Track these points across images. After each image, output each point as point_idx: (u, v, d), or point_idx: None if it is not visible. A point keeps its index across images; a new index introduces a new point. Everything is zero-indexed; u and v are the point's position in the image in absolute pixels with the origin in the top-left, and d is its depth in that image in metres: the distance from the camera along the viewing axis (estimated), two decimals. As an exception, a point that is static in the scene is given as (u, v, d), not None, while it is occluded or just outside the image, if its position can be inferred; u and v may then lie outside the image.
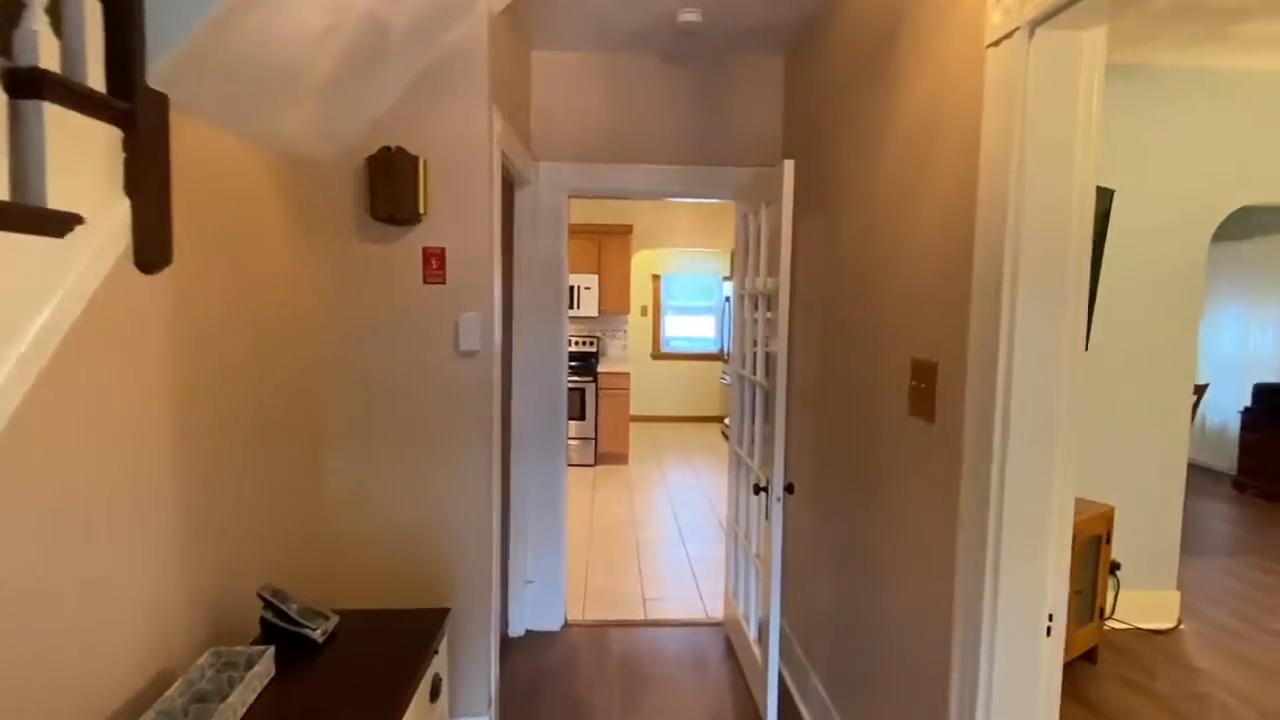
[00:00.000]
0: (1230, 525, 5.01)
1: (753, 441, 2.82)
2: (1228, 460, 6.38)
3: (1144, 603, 3.36)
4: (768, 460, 2.47)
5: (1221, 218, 3.28)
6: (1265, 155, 3.23)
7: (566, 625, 3.31)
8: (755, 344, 2.82)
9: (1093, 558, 2.96)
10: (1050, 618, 1.44)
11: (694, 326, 8.86)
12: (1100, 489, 3.29)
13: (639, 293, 8.63)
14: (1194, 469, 6.56)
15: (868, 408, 2.08)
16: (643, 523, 4.90)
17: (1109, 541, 3.01)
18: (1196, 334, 3.33)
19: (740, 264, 3.06)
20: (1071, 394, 1.41)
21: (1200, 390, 4.78)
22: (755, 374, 2.78)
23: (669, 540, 4.54)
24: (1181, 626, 3.36)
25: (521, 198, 3.05)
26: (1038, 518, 1.42)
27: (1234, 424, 6.29)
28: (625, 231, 6.91)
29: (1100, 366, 3.24)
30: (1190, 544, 4.45)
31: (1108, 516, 2.99)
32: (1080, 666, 2.97)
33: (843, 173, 2.34)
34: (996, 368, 1.40)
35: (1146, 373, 3.30)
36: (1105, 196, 3.00)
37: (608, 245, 6.94)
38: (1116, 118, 3.17)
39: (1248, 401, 6.07)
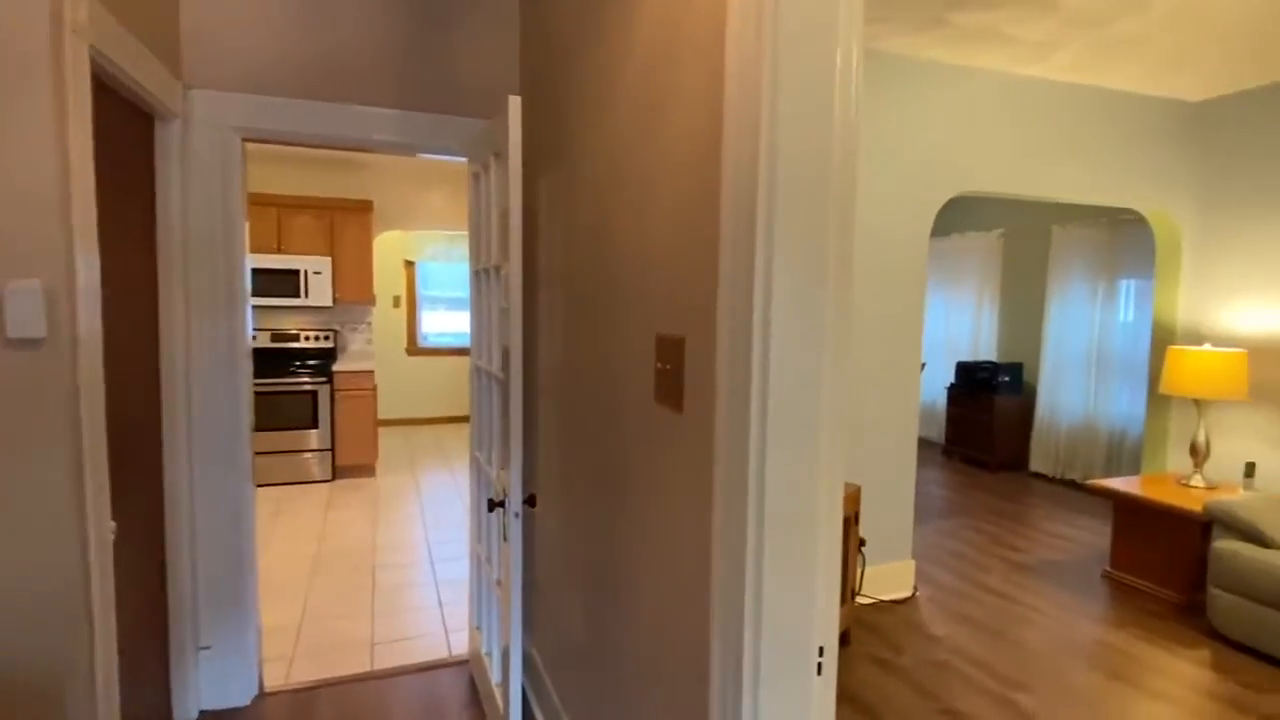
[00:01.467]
0: (943, 489, 5.60)
1: (494, 448, 2.35)
2: (938, 431, 7.26)
3: (885, 575, 3.48)
4: (505, 469, 2.02)
5: (941, 204, 3.47)
6: (980, 148, 3.48)
7: (261, 696, 2.58)
8: (494, 328, 2.35)
9: (843, 539, 2.93)
10: (821, 651, 1.16)
11: (455, 320, 8.15)
12: (845, 469, 3.32)
13: (389, 281, 7.72)
14: (912, 440, 7.40)
15: (613, 398, 1.71)
16: (386, 546, 4.20)
17: (857, 522, 3.02)
18: (923, 315, 3.50)
19: (474, 234, 2.56)
20: (838, 372, 1.13)
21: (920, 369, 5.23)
22: (492, 364, 2.31)
23: (416, 565, 3.91)
24: (917, 594, 3.54)
25: (166, 136, 2.25)
26: (804, 524, 1.12)
27: (942, 399, 7.16)
28: (364, 208, 6.03)
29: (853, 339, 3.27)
30: (915, 512, 4.85)
31: (856, 497, 2.99)
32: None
33: (578, 116, 1.95)
34: (751, 343, 1.08)
35: (882, 353, 3.40)
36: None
37: (343, 223, 6.01)
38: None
39: (952, 379, 6.93)
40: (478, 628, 2.63)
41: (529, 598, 2.65)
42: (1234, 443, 3.83)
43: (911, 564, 3.55)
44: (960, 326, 7.15)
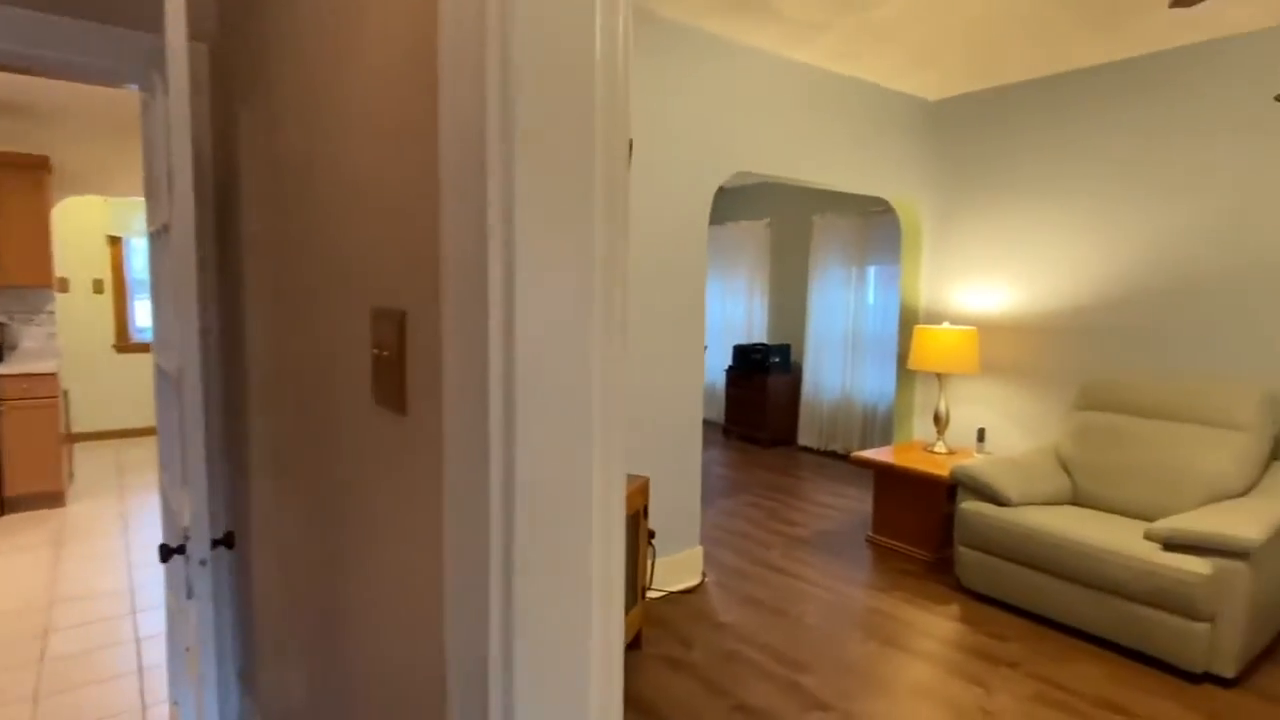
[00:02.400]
0: (725, 469, 5.74)
1: (180, 474, 1.76)
2: (718, 411, 7.51)
3: (675, 565, 3.37)
4: (192, 499, 1.48)
5: (718, 184, 3.40)
6: (753, 130, 3.45)
7: None
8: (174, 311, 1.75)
9: (633, 536, 2.73)
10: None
11: (182, 308, 6.79)
12: (630, 459, 3.14)
13: (86, 261, 6.22)
14: (696, 422, 7.59)
15: (328, 399, 1.28)
16: (69, 598, 3.25)
17: (646, 515, 2.83)
18: (704, 300, 3.42)
19: (148, 183, 1.92)
20: (613, 356, 0.84)
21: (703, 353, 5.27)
22: (169, 360, 1.72)
23: (110, 620, 3.05)
24: (706, 580, 3.47)
25: None
26: (571, 567, 0.82)
27: (722, 380, 7.42)
28: (34, 166, 4.70)
29: (633, 328, 3.06)
30: (700, 493, 4.88)
31: (644, 489, 2.80)
32: (627, 659, 2.73)
33: (280, 34, 1.46)
34: (488, 319, 0.74)
35: (667, 335, 3.26)
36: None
37: (5, 185, 4.64)
38: (634, 66, 2.97)
39: (730, 361, 7.19)
40: (175, 703, 2.01)
41: (251, 655, 2.09)
42: (968, 411, 4.29)
43: (700, 550, 3.48)
44: (736, 311, 7.45)
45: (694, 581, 3.43)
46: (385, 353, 0.97)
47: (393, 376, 0.95)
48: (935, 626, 3.02)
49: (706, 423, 7.57)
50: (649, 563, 3.21)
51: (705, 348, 5.39)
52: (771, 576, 3.53)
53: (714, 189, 3.36)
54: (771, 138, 3.56)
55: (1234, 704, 2.47)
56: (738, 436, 6.90)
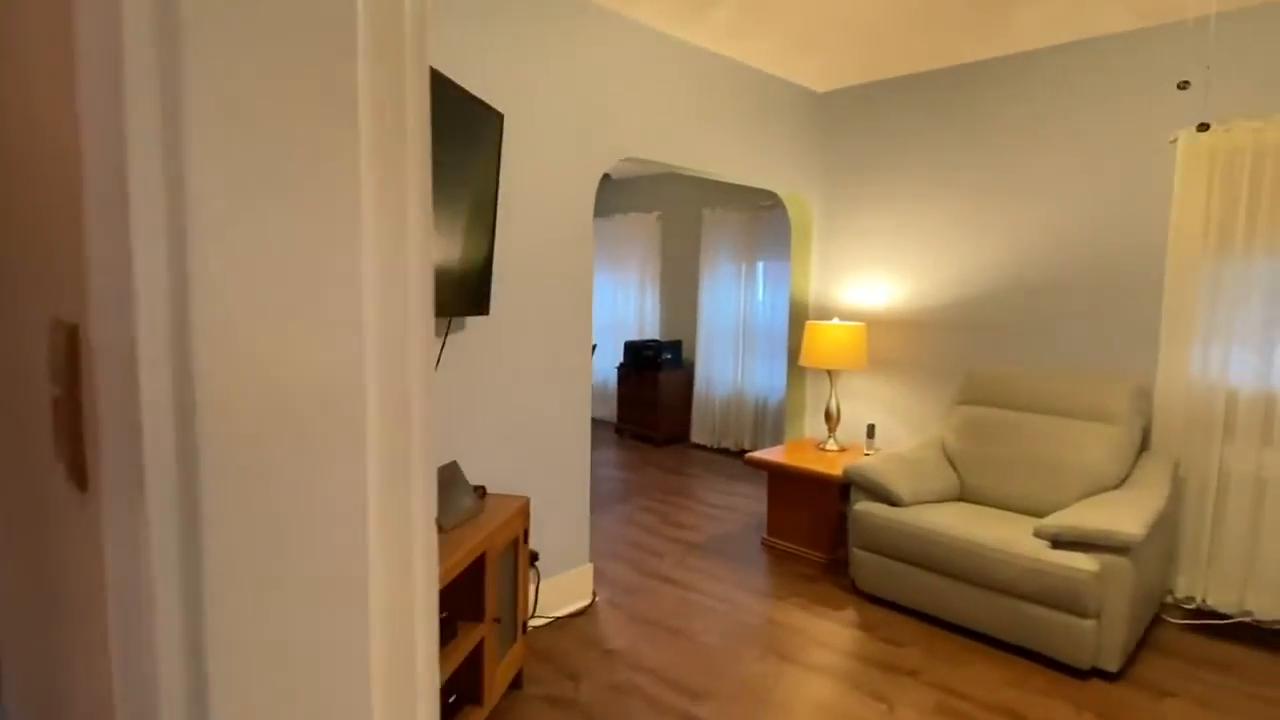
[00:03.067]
0: (617, 470, 5.51)
1: None
2: (610, 410, 7.27)
3: (563, 586, 3.08)
4: None
5: (604, 169, 3.13)
6: (641, 112, 3.20)
7: None
8: None
9: (512, 566, 2.42)
10: None
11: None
12: (510, 477, 2.82)
13: None
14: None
15: (18, 464, 0.89)
16: None
17: (527, 540, 2.52)
18: (591, 297, 3.14)
19: None
20: (410, 367, 0.54)
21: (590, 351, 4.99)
22: None
23: None
24: (596, 600, 3.21)
25: None
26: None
27: (613, 378, 7.18)
28: None
29: (499, 332, 2.73)
30: (590, 500, 4.61)
31: (524, 510, 2.49)
32: (506, 701, 2.42)
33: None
34: (152, 330, 0.42)
35: (550, 337, 2.95)
36: (494, 118, 2.42)
37: None
38: (502, 32, 2.64)
39: (621, 358, 6.96)
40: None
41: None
42: (858, 406, 4.26)
43: (590, 568, 3.21)
44: (627, 306, 7.22)
45: (584, 602, 3.15)
46: (62, 392, 0.62)
47: (70, 428, 0.60)
48: (834, 635, 2.90)
49: (598, 422, 7.31)
50: (532, 589, 2.91)
51: (595, 346, 5.13)
52: (665, 590, 3.31)
53: (599, 175, 3.08)
54: (660, 122, 3.33)
55: (1120, 698, 2.48)
56: (630, 436, 6.69)
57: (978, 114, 3.70)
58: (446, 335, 2.50)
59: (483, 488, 2.46)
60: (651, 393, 6.35)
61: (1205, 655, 2.79)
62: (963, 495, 3.37)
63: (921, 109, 3.90)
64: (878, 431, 4.15)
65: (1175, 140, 3.11)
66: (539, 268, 2.87)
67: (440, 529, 2.12)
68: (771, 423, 5.94)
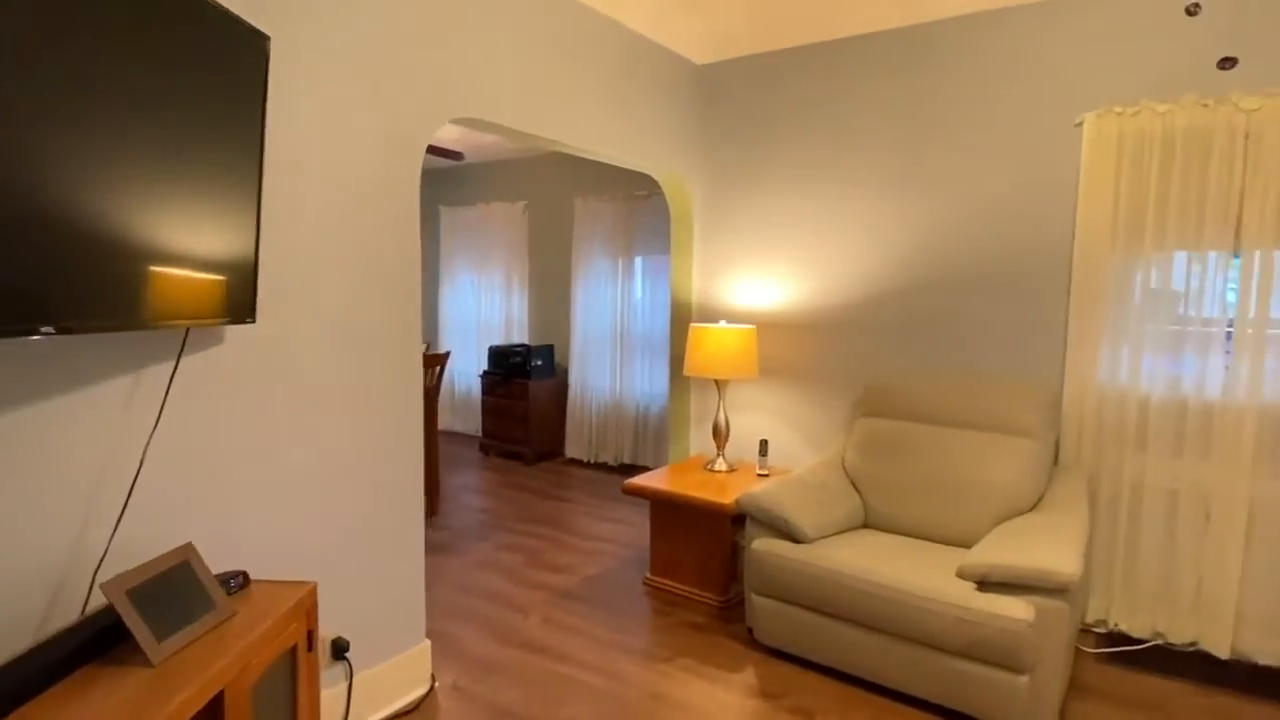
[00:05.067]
0: (478, 497, 4.78)
1: None
2: (474, 423, 6.50)
3: (387, 679, 2.36)
4: None
5: (435, 131, 2.43)
6: (485, 68, 2.52)
7: None
8: None
9: (288, 686, 1.68)
10: None
11: None
12: (297, 549, 2.07)
13: None
14: (447, 438, 6.50)
15: None
16: None
17: (313, 643, 1.79)
18: (418, 295, 2.43)
19: None
20: None
21: (442, 359, 4.26)
22: None
23: None
24: (435, 687, 2.51)
25: None
26: None
27: (477, 387, 6.42)
28: None
29: (277, 347, 1.97)
30: (439, 541, 3.87)
31: (308, 602, 1.76)
32: None
33: None
34: None
35: (361, 351, 2.22)
36: (253, 41, 1.67)
37: None
38: (272, -74, 1.88)
39: (486, 365, 6.21)
40: None
41: None
42: (749, 419, 3.80)
43: (426, 646, 2.50)
44: (492, 307, 6.47)
45: (419, 693, 2.45)
46: None
47: None
48: (731, 708, 2.38)
49: (460, 437, 6.52)
50: (342, 692, 2.17)
51: (448, 353, 4.38)
52: (528, 663, 2.67)
53: (423, 140, 2.38)
54: (506, 80, 2.67)
55: (1059, 767, 2.12)
56: (497, 453, 5.96)
57: (876, 93, 3.31)
58: (181, 355, 1.72)
59: (243, 574, 1.71)
60: (521, 403, 5.66)
61: (1129, 694, 2.51)
62: (868, 522, 2.96)
63: (815, 86, 3.47)
64: (772, 448, 3.71)
65: (1081, 124, 2.85)
66: (344, 259, 2.13)
67: (149, 663, 1.37)
68: (653, 434, 5.42)
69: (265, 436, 1.94)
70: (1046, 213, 2.95)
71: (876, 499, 2.94)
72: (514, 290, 6.27)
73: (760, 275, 3.70)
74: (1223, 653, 2.63)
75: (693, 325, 3.49)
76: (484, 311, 6.52)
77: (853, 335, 3.44)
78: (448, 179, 6.69)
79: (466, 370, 6.60)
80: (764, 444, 3.43)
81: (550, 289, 6.06)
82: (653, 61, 3.44)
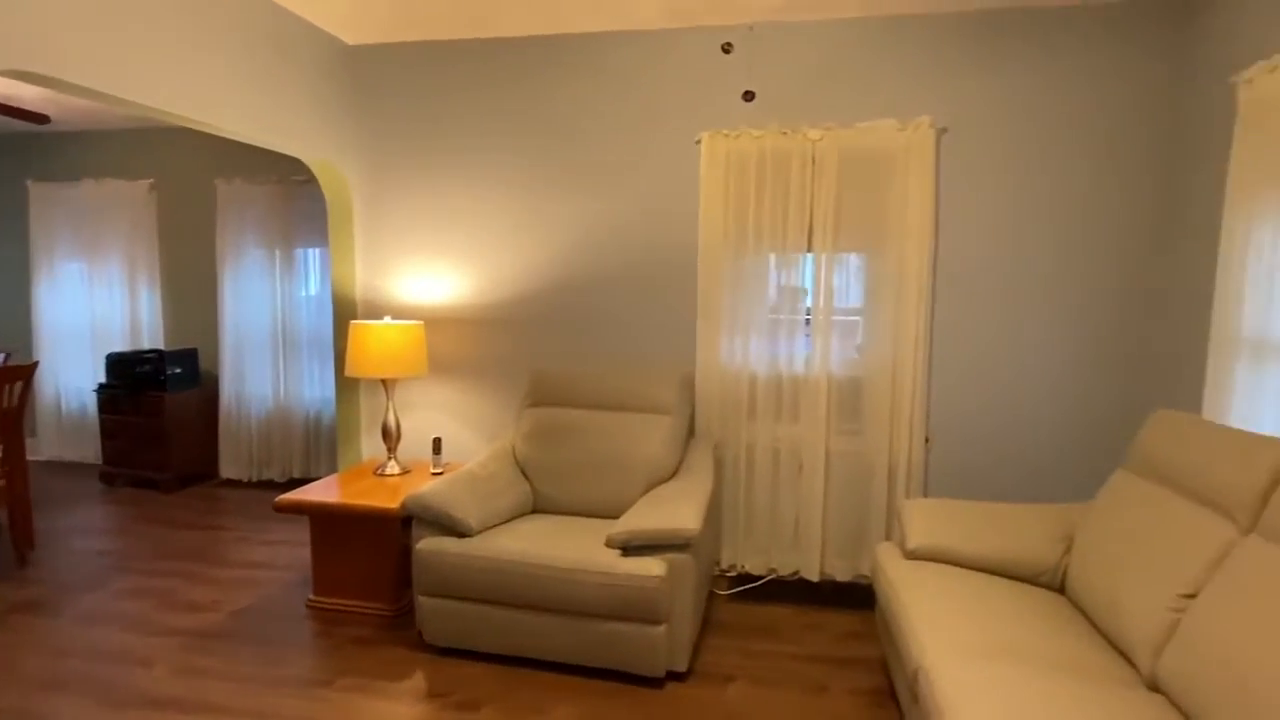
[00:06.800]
0: (96, 538, 3.93)
1: None
2: (92, 449, 5.33)
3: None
4: None
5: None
6: (57, 6, 2.03)
7: None
8: None
9: None
10: None
11: None
12: None
13: None
14: (58, 468, 5.24)
15: None
16: None
17: None
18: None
19: None
20: None
21: (25, 372, 3.41)
22: None
23: None
24: (6, 783, 2.00)
25: None
26: None
27: (93, 405, 5.27)
28: None
29: None
30: (29, 599, 3.10)
31: None
32: None
33: None
34: None
35: None
36: None
37: None
38: None
39: (103, 377, 5.12)
40: None
41: None
42: (422, 418, 3.69)
43: (-11, 734, 1.98)
44: (111, 306, 5.34)
45: (-24, 797, 1.92)
46: None
47: None
48: (397, 717, 2.30)
49: (74, 467, 5.30)
50: None
51: (35, 363, 3.50)
52: (147, 723, 2.27)
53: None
54: (78, 24, 2.20)
55: (691, 697, 2.44)
56: (127, 482, 4.96)
57: (530, 96, 3.44)
58: None
59: None
60: (155, 421, 4.77)
61: (752, 623, 3.00)
62: (537, 507, 3.09)
63: (472, 82, 3.48)
64: (448, 445, 3.66)
65: (699, 141, 3.29)
66: None
67: None
68: (328, 442, 4.99)
69: None
70: (678, 218, 3.36)
71: (544, 484, 3.08)
72: (140, 285, 5.25)
73: (428, 269, 3.62)
74: (814, 576, 3.28)
75: (353, 323, 3.28)
76: (100, 312, 5.35)
77: (521, 329, 3.55)
78: (35, 148, 5.34)
79: (77, 384, 5.37)
80: (438, 442, 3.37)
81: (189, 284, 5.21)
82: (295, 34, 3.13)
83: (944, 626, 2.01)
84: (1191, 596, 1.79)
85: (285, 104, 3.10)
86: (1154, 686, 1.80)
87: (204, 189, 5.07)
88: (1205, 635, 1.67)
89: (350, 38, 3.48)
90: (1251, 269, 2.33)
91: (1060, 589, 2.37)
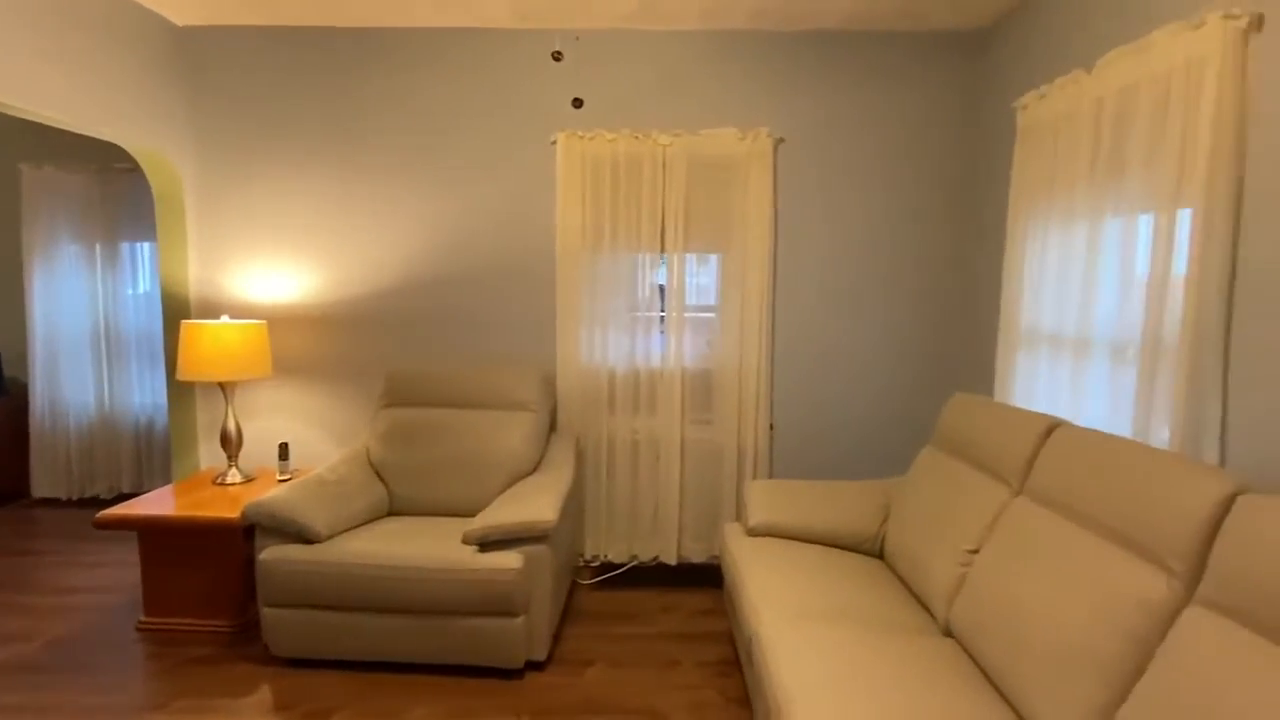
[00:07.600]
0: None
1: None
2: None
3: None
4: None
5: None
6: None
7: None
8: None
9: None
10: None
11: None
12: None
13: None
14: None
15: None
16: None
17: None
18: None
19: None
20: None
21: None
22: None
23: None
24: None
25: None
26: None
27: None
28: None
29: None
30: None
31: None
32: None
33: None
34: None
35: None
36: None
37: None
38: None
39: (-122, 388, 4.44)
40: None
41: None
42: (267, 424, 3.51)
43: None
44: (-114, 306, 4.63)
45: None
46: None
47: None
48: (238, 737, 2.20)
49: None
50: None
51: None
52: (-64, 772, 2.03)
53: None
54: None
55: (549, 684, 2.51)
56: (-90, 506, 4.33)
57: (379, 89, 3.35)
58: None
59: None
60: (-54, 436, 4.20)
61: (611, 609, 3.11)
62: (393, 509, 3.03)
63: (319, 71, 3.34)
64: (296, 449, 3.50)
65: (555, 142, 3.35)
66: None
67: None
68: (162, 452, 4.60)
69: None
70: (536, 217, 3.40)
71: (400, 485, 3.03)
72: (-75, 283, 4.60)
73: (271, 265, 3.44)
74: (672, 560, 3.44)
75: (185, 323, 3.06)
76: None
77: (374, 327, 3.46)
78: None
79: None
80: (284, 447, 3.22)
81: (-11, 282, 4.62)
82: (112, 9, 2.87)
83: (776, 595, 2.20)
84: (975, 552, 2.08)
85: (101, 85, 2.85)
86: (948, 633, 2.07)
87: (6, 175, 4.52)
88: (984, 585, 1.94)
89: (179, 18, 3.24)
90: (1027, 268, 2.71)
91: (880, 555, 2.65)
